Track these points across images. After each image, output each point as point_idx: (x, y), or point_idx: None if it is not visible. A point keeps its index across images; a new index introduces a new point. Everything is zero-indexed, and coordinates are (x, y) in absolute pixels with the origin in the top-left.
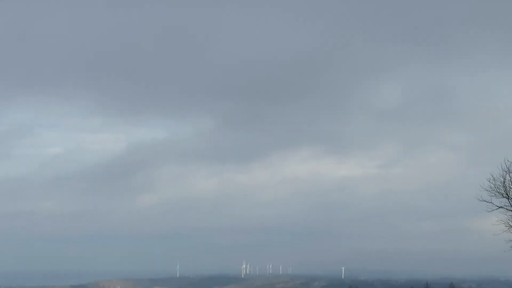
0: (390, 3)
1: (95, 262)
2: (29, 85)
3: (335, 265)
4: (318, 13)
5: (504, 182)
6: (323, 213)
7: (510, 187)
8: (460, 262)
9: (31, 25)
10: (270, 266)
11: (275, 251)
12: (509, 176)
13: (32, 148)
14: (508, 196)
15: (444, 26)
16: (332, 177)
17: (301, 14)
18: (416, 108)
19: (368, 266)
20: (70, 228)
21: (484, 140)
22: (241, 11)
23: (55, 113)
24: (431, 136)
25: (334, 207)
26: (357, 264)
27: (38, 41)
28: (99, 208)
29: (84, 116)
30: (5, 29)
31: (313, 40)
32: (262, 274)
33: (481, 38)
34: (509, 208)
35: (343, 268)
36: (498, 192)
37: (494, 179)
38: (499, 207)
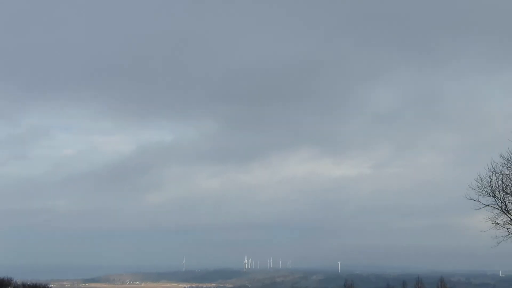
0: (384, 13)
1: (105, 257)
2: (45, 90)
3: (332, 260)
4: (315, 22)
5: (490, 181)
6: (320, 211)
7: (496, 187)
8: (450, 257)
9: (49, 33)
10: (271, 260)
11: (275, 247)
12: (495, 176)
13: (47, 150)
14: (494, 195)
15: (433, 33)
16: (329, 176)
17: (299, 22)
18: (407, 111)
19: (363, 261)
20: (83, 225)
21: (472, 142)
22: (243, 19)
23: (69, 117)
24: (422, 138)
25: (331, 205)
26: (352, 259)
27: (55, 48)
28: (110, 206)
29: (96, 120)
30: (24, 36)
31: (311, 47)
32: (263, 268)
33: (468, 45)
34: (495, 206)
35: (339, 262)
36: (485, 191)
37: (481, 179)
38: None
